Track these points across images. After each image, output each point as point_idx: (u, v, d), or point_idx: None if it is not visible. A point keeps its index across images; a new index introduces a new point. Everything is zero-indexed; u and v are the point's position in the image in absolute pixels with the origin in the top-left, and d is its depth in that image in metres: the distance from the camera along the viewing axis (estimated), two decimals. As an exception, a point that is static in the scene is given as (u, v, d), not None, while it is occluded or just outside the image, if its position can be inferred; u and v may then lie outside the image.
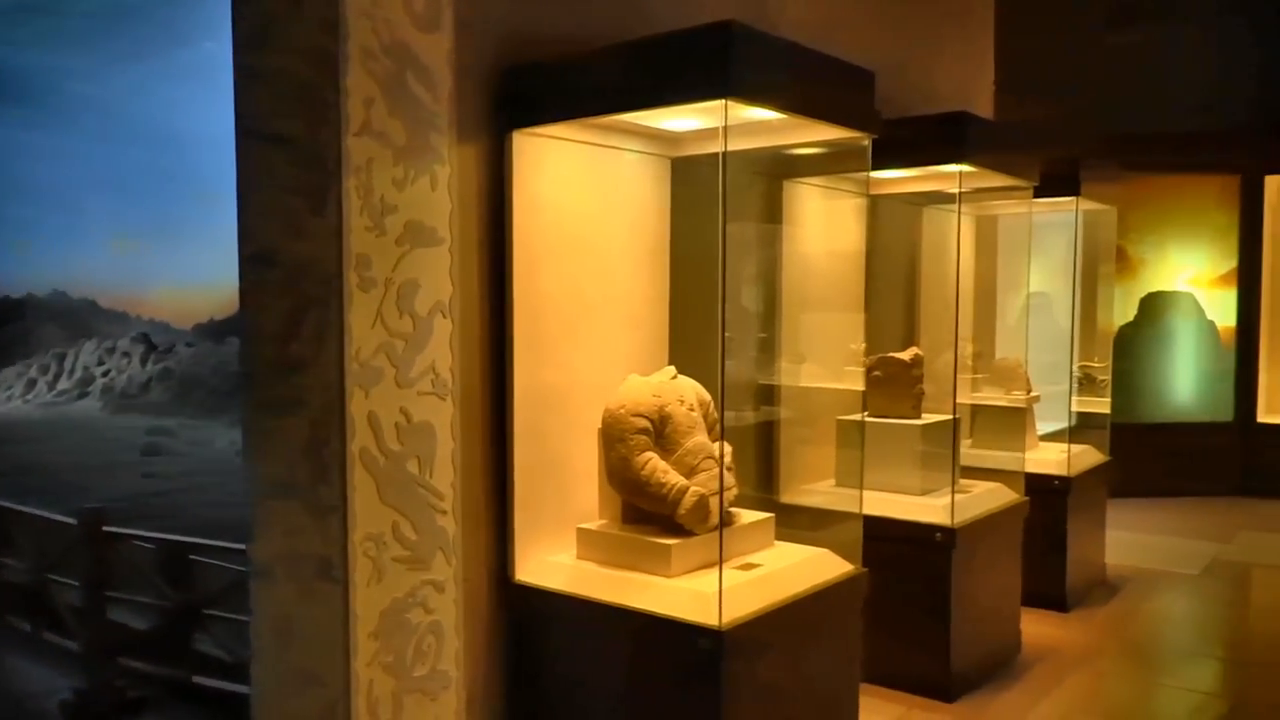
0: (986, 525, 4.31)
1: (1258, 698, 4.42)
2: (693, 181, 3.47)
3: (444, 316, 2.76)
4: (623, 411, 3.04)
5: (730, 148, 2.76)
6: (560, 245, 3.19)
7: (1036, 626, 4.97)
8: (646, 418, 3.04)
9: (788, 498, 4.23)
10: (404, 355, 2.67)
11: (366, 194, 2.57)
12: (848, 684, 3.36)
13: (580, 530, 3.16)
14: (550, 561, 3.14)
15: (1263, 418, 8.71)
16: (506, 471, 3.07)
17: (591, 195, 3.31)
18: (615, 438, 3.03)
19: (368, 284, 2.59)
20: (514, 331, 3.04)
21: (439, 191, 2.74)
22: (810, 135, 3.30)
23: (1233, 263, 8.68)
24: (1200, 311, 8.72)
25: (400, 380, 2.66)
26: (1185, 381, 8.74)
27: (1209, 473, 8.54)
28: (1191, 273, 8.71)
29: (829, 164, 3.85)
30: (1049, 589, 5.31)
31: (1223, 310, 8.70)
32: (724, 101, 2.66)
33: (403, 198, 2.65)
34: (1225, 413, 8.70)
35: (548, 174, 3.15)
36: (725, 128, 2.73)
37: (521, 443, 3.07)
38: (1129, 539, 6.81)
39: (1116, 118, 8.20)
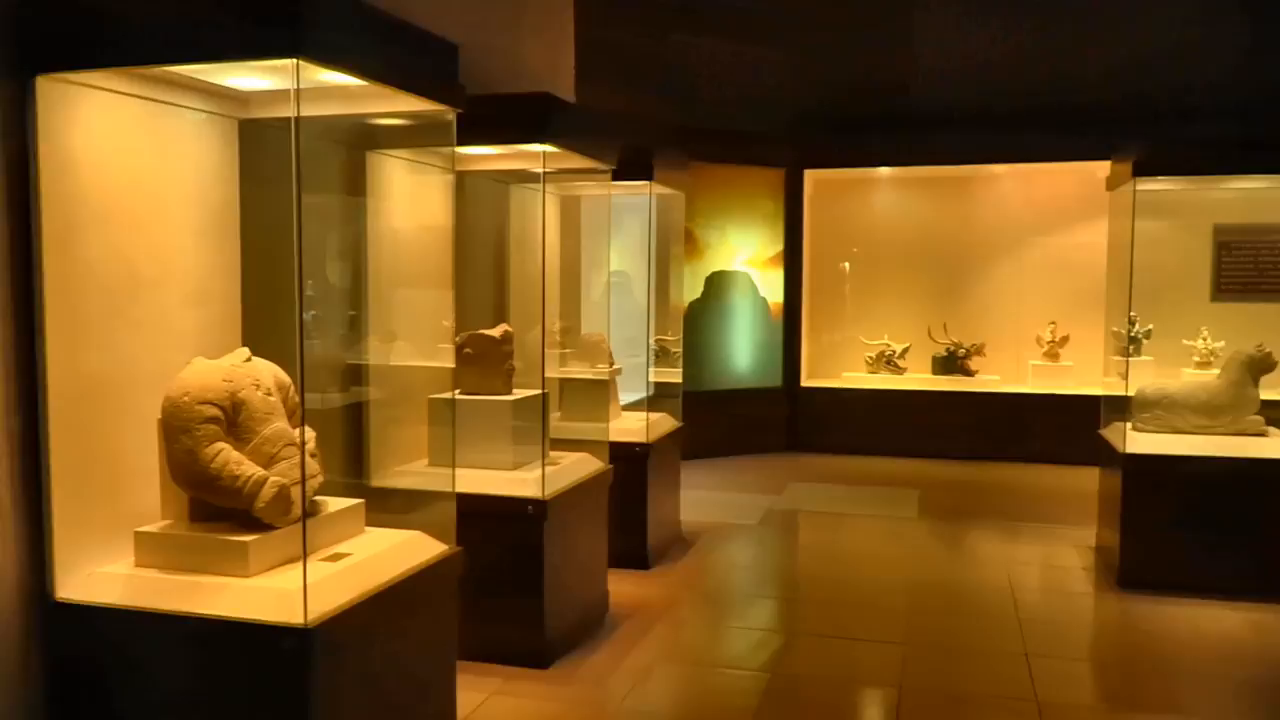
0: (575, 494, 4.48)
1: (807, 628, 5.05)
2: (264, 147, 3.19)
3: (-51, 294, 2.30)
4: (187, 399, 2.73)
5: (305, 113, 2.56)
6: (105, 212, 2.79)
7: (622, 586, 5.28)
8: (216, 405, 2.75)
9: (379, 481, 4.10)
10: (-107, 341, 2.18)
11: None
12: (444, 665, 3.33)
13: (139, 534, 2.81)
14: (102, 573, 2.75)
15: (805, 383, 9.98)
16: (40, 475, 2.64)
17: (144, 156, 2.93)
18: (179, 428, 2.71)
19: None
20: (45, 311, 2.61)
21: (-64, 142, 2.26)
22: (392, 105, 3.18)
23: (780, 246, 9.81)
24: (755, 289, 9.76)
25: (-112, 372, 2.18)
26: (743, 352, 9.76)
27: (763, 433, 9.64)
28: (747, 254, 9.72)
29: (414, 137, 3.75)
30: (632, 549, 5.67)
31: (773, 288, 9.82)
32: (295, 61, 2.46)
33: (-116, 148, 2.16)
34: (775, 379, 9.85)
35: (87, 129, 2.73)
36: (297, 90, 2.52)
37: (60, 440, 2.65)
38: (700, 497, 7.47)
39: (684, 111, 8.89)
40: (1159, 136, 5.48)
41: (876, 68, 9.61)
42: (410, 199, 4.16)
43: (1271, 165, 5.68)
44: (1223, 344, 8.31)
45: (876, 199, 10.36)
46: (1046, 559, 6.16)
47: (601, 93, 7.52)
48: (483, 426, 4.34)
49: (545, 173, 4.20)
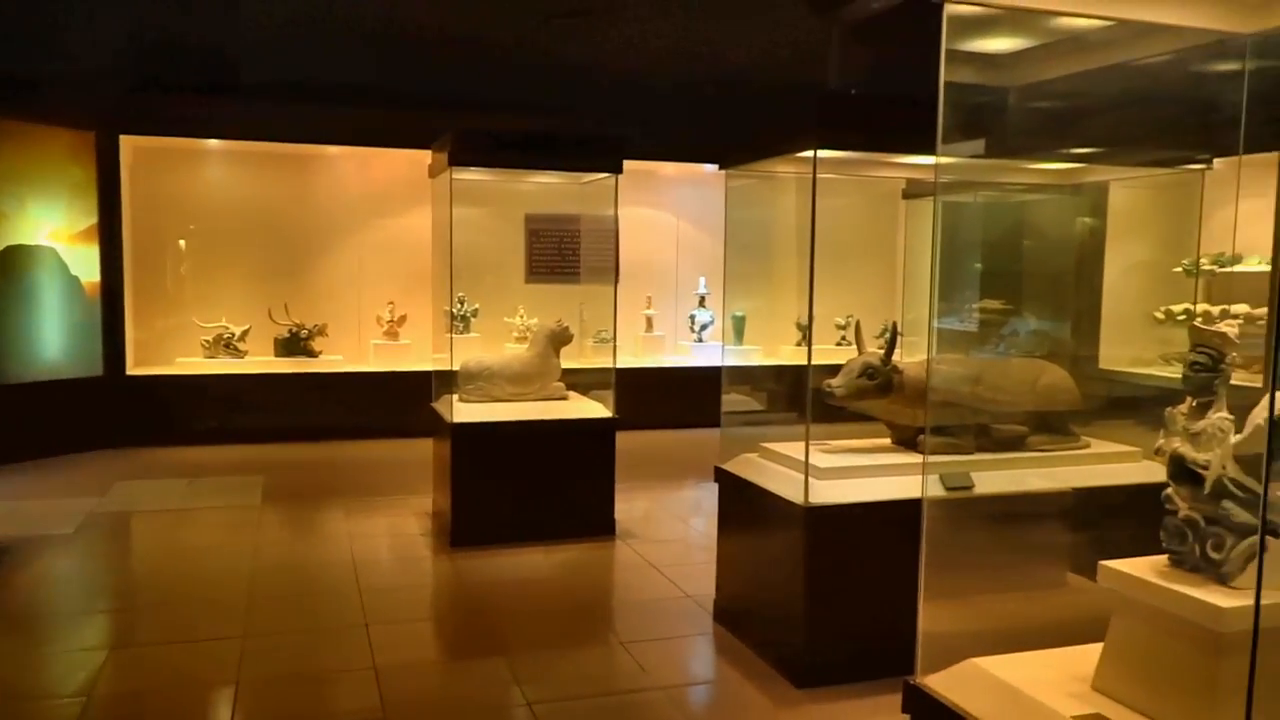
0: None
1: (137, 639, 4.60)
2: None
3: None
4: None
5: None
6: None
7: (-116, 630, 4.29)
8: None
9: None
10: None
11: None
12: None
13: None
14: None
15: (132, 371, 9.07)
16: None
17: None
18: None
19: None
20: None
21: None
22: None
23: (94, 219, 8.74)
24: (65, 267, 8.57)
25: None
26: (53, 338, 8.52)
27: (81, 429, 8.55)
28: (53, 227, 8.48)
29: None
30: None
31: (87, 266, 8.72)
32: None
33: None
34: (95, 368, 8.78)
35: None
36: None
37: None
38: (0, 509, 6.40)
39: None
40: (470, 130, 5.93)
41: (201, 29, 9.01)
42: None
43: (550, 164, 6.53)
44: (536, 321, 9.43)
45: (209, 172, 9.77)
46: (388, 529, 6.41)
47: None
48: None
49: None
